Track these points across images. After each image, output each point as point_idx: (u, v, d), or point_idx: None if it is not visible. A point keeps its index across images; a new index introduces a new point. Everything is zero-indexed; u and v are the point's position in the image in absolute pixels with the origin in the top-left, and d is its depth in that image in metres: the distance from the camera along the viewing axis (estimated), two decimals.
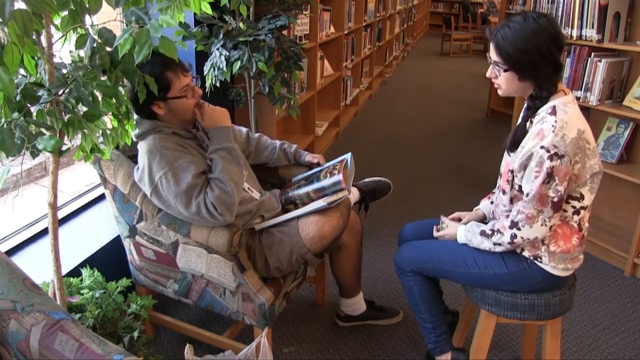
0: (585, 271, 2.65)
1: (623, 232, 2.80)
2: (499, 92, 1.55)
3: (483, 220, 1.78)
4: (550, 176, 1.39)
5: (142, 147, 1.64)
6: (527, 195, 1.44)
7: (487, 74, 1.54)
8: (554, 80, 1.47)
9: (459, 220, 1.81)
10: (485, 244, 1.57)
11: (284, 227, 1.75)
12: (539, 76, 1.45)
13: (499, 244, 1.53)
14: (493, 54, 1.48)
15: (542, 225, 1.45)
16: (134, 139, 1.67)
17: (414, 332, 2.15)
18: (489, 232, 1.55)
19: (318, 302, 2.32)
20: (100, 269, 1.75)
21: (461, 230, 1.66)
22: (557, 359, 1.71)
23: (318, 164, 2.00)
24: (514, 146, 1.52)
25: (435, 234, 1.76)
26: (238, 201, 1.63)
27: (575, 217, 1.50)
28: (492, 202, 1.78)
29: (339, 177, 1.72)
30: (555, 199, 1.42)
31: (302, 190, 1.80)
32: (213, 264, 1.68)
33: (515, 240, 1.49)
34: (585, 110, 2.69)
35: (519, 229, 1.47)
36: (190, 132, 1.73)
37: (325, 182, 1.75)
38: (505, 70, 1.47)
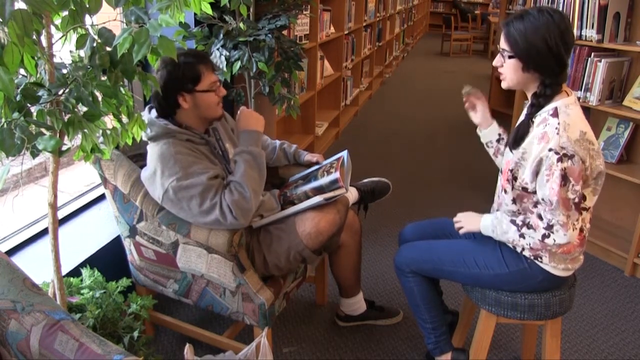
0: (585, 271, 2.65)
1: (623, 232, 2.80)
2: (503, 83, 1.54)
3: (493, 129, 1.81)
4: (565, 178, 1.38)
5: (154, 151, 1.63)
6: (544, 201, 1.43)
7: (494, 62, 1.54)
8: (559, 79, 1.47)
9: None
10: (511, 235, 1.52)
11: (282, 224, 1.75)
12: (543, 70, 1.45)
13: (526, 237, 1.49)
14: (502, 41, 1.49)
15: (573, 230, 1.43)
16: (145, 139, 1.67)
17: (414, 332, 2.15)
18: (520, 223, 1.51)
19: (318, 302, 2.32)
20: (100, 269, 1.75)
21: (487, 218, 1.61)
22: (557, 359, 1.71)
23: (317, 163, 2.00)
24: (516, 143, 1.52)
25: (461, 231, 1.71)
26: (255, 208, 1.64)
27: None
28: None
29: (336, 175, 1.72)
30: (576, 200, 1.41)
31: (300, 190, 1.80)
32: (213, 264, 1.68)
33: (546, 240, 1.45)
34: (586, 110, 2.68)
35: (552, 232, 1.43)
36: (203, 138, 1.73)
37: (323, 180, 1.75)
38: (510, 57, 1.47)
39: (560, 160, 1.38)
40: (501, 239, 1.57)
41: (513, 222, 1.53)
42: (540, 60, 1.44)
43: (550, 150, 1.39)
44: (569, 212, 1.41)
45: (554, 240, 1.44)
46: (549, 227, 1.44)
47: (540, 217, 1.47)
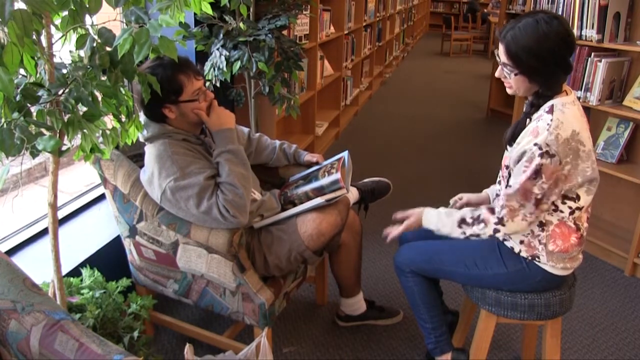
0: (585, 271, 2.65)
1: (623, 232, 2.80)
2: (508, 90, 1.54)
3: (485, 202, 1.77)
4: (537, 173, 1.39)
5: (151, 152, 1.63)
6: (510, 187, 1.43)
7: (497, 74, 1.53)
8: (561, 80, 1.47)
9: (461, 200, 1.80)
10: (456, 233, 1.54)
11: (283, 225, 1.75)
12: (549, 77, 1.45)
13: (477, 235, 1.52)
14: (503, 56, 1.47)
15: (522, 219, 1.45)
16: (142, 140, 1.67)
17: (414, 332, 2.15)
18: (470, 221, 1.52)
19: (318, 302, 2.32)
20: (100, 269, 1.75)
21: (428, 214, 1.62)
22: (557, 359, 1.71)
23: (317, 163, 2.00)
24: (512, 140, 1.52)
25: (398, 215, 1.70)
26: (249, 202, 1.63)
27: (571, 217, 1.50)
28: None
29: (337, 175, 1.72)
30: (539, 196, 1.41)
31: (301, 190, 1.80)
32: (213, 264, 1.68)
33: (497, 234, 1.49)
34: (585, 110, 2.69)
35: (503, 225, 1.46)
36: (199, 139, 1.73)
37: (324, 181, 1.75)
38: (515, 75, 1.46)
39: (541, 156, 1.38)
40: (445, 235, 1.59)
41: (463, 221, 1.53)
42: (547, 72, 1.43)
43: (535, 144, 1.39)
44: (524, 203, 1.42)
45: (504, 234, 1.48)
46: (500, 220, 1.46)
47: (492, 210, 1.48)
